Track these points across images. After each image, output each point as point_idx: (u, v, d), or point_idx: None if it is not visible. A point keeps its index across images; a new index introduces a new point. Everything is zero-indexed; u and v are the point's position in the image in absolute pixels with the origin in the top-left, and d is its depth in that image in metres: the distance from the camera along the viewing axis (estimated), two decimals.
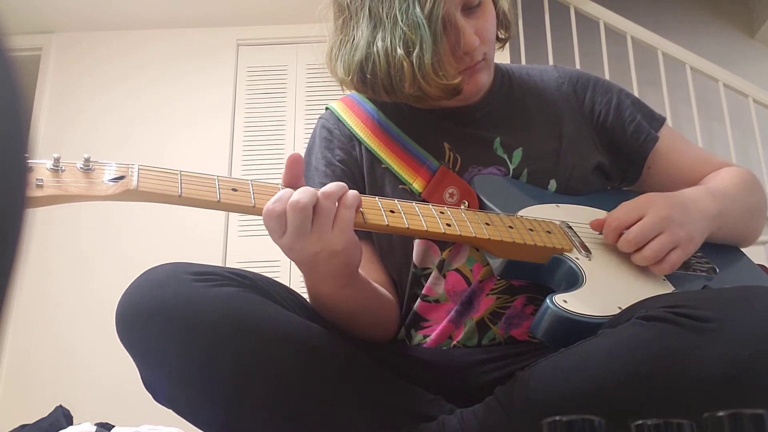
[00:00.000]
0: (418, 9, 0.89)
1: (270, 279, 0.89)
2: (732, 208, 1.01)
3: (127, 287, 0.82)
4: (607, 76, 2.88)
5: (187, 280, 0.80)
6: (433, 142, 1.01)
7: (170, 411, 0.84)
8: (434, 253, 0.97)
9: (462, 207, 0.91)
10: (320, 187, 0.77)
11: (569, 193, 1.01)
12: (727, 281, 0.98)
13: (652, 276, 0.91)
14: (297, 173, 0.81)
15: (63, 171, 0.70)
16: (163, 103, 3.25)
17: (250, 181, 0.79)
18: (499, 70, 1.10)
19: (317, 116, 1.12)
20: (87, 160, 0.72)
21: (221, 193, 0.76)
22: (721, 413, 0.41)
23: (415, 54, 0.90)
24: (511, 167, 1.00)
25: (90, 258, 3.00)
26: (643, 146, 1.08)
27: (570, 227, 0.95)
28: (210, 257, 2.91)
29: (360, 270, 0.87)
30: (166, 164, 0.78)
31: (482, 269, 0.95)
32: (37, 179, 0.67)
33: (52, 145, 2.80)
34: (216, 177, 0.77)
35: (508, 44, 1.09)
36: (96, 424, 1.48)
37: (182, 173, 0.76)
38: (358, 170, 1.02)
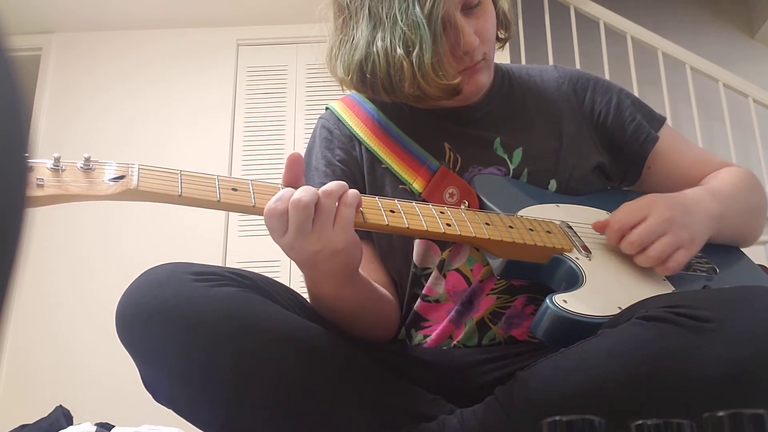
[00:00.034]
0: (417, 9, 0.89)
1: (270, 279, 0.89)
2: (733, 209, 1.01)
3: (127, 287, 0.82)
4: (607, 76, 2.88)
5: (187, 280, 0.80)
6: (433, 142, 1.01)
7: (170, 411, 0.84)
8: (434, 253, 0.97)
9: (462, 207, 0.91)
10: (320, 187, 0.78)
11: (569, 193, 1.01)
12: (728, 281, 0.98)
13: (652, 276, 0.91)
14: (297, 173, 0.81)
15: (63, 170, 0.70)
16: (163, 103, 3.25)
17: (250, 181, 0.79)
18: (499, 70, 1.10)
19: (317, 116, 1.12)
20: (87, 159, 0.72)
21: (221, 192, 0.76)
22: (721, 413, 0.41)
23: (414, 54, 0.90)
24: (512, 167, 1.00)
25: (90, 258, 3.00)
26: (643, 146, 1.08)
27: (570, 227, 0.95)
28: (210, 257, 2.91)
29: (360, 270, 0.87)
30: (166, 164, 0.78)
31: (482, 269, 0.95)
32: (38, 179, 0.67)
33: (52, 145, 2.79)
34: (216, 177, 0.77)
35: (508, 44, 1.09)
36: (96, 424, 1.48)
37: (182, 173, 0.76)
38: (358, 170, 1.02)
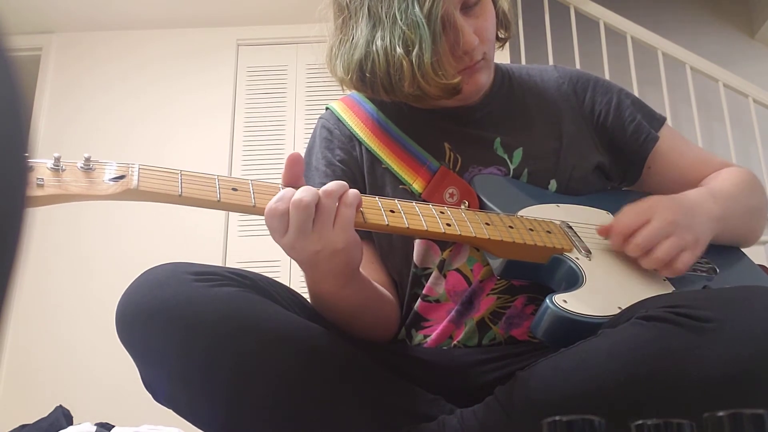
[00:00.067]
0: (417, 8, 0.90)
1: (270, 279, 0.89)
2: (734, 210, 1.01)
3: (127, 287, 0.82)
4: (607, 76, 2.87)
5: (187, 280, 0.80)
6: (433, 142, 1.01)
7: (170, 411, 0.84)
8: (435, 253, 0.97)
9: (462, 207, 0.91)
10: (321, 187, 0.78)
11: (569, 193, 1.01)
12: (728, 281, 0.99)
13: (652, 276, 0.91)
14: (297, 173, 0.81)
15: (63, 170, 0.70)
16: (163, 103, 3.25)
17: (250, 181, 0.79)
18: (499, 70, 1.10)
19: (317, 116, 1.12)
20: (87, 159, 0.72)
21: (221, 192, 0.76)
22: (721, 413, 0.41)
23: (414, 53, 0.90)
24: (512, 167, 1.00)
25: (90, 258, 3.00)
26: (643, 146, 1.08)
27: (570, 227, 0.95)
28: (210, 257, 2.91)
29: (361, 270, 0.87)
30: (166, 164, 0.78)
31: (483, 269, 0.95)
32: (38, 179, 0.67)
33: (52, 145, 2.79)
34: (216, 176, 0.77)
35: (508, 44, 1.09)
36: (96, 424, 1.48)
37: (182, 173, 0.76)
38: (359, 170, 1.02)
